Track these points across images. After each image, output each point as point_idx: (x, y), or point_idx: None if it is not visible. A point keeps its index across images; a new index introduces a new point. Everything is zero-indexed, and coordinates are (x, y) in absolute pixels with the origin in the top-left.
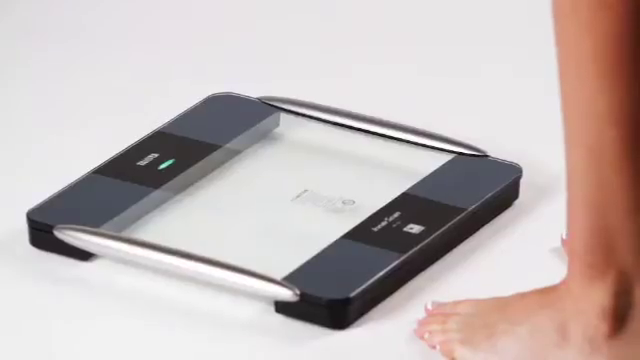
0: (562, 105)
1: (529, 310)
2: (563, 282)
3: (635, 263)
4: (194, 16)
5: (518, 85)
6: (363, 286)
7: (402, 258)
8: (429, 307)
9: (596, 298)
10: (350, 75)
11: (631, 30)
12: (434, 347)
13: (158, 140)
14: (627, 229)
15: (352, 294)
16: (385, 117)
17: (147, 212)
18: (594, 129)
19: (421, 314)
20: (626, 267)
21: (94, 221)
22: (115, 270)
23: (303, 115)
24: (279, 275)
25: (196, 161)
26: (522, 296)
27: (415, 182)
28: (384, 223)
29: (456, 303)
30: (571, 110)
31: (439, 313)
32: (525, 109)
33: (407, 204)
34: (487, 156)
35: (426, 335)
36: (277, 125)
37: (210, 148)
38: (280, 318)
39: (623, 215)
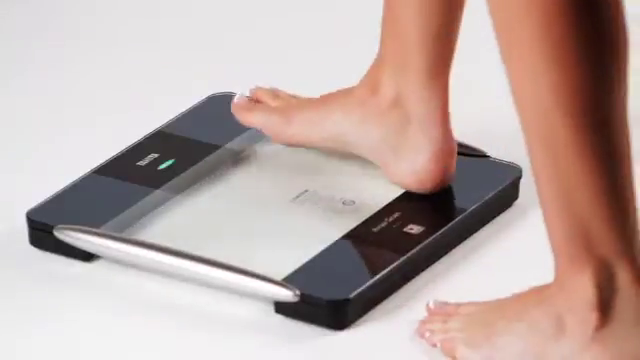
0: (514, 101)
1: (526, 307)
2: (555, 278)
3: (613, 249)
4: (194, 16)
5: None
6: (363, 287)
7: (402, 259)
8: (431, 306)
9: (583, 291)
10: (350, 75)
11: (570, 6)
12: (435, 345)
13: (158, 140)
14: (598, 215)
15: (352, 295)
16: None
17: (147, 212)
18: (546, 121)
19: (421, 315)
20: (605, 254)
21: (94, 221)
22: (115, 270)
23: None
24: (279, 276)
25: (196, 161)
26: (520, 295)
27: None
28: (384, 224)
29: (458, 305)
30: (521, 103)
31: (441, 313)
32: None
33: (407, 205)
34: (487, 156)
35: (427, 334)
36: None
37: (210, 148)
38: (280, 318)
39: (591, 202)
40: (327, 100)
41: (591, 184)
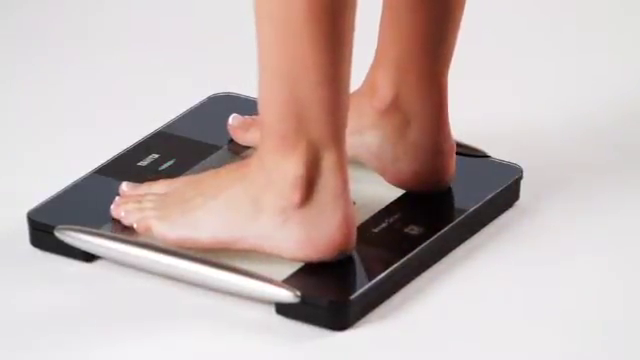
0: None
1: (223, 185)
2: (255, 156)
3: (323, 132)
4: (195, 16)
5: (518, 86)
6: (364, 288)
7: (402, 259)
8: (124, 188)
9: (288, 169)
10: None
11: None
12: (132, 225)
13: (159, 140)
14: (317, 99)
15: (352, 296)
16: None
17: None
18: (283, 2)
19: (421, 316)
20: (315, 136)
21: (95, 222)
22: (115, 270)
23: None
24: (280, 277)
25: (196, 161)
26: (216, 172)
27: None
28: (384, 224)
29: (150, 184)
30: None
31: (134, 194)
32: (525, 109)
33: (407, 205)
34: (487, 156)
35: (122, 214)
36: None
37: (210, 148)
38: (281, 319)
39: (312, 85)
40: None
41: (316, 68)
